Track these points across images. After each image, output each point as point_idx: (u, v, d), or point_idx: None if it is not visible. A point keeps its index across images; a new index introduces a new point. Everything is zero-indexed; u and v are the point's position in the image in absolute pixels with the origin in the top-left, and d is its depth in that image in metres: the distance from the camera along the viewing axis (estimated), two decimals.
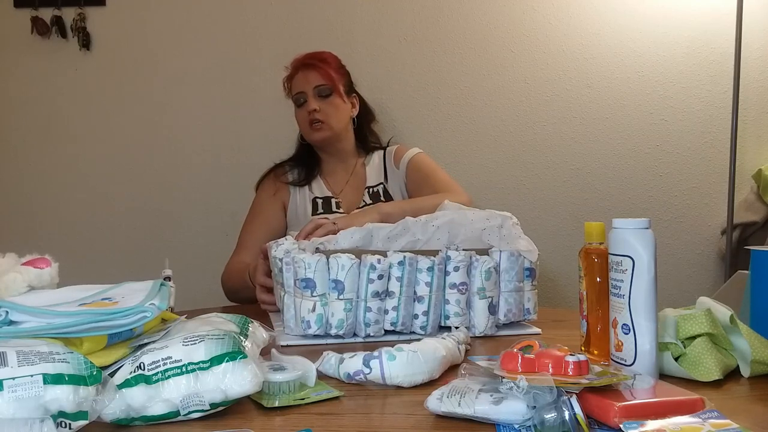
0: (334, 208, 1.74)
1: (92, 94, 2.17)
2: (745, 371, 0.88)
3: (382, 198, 1.77)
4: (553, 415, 0.65)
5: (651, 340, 0.83)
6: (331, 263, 1.09)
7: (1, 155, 2.19)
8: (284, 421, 0.74)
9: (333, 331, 1.10)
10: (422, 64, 2.15)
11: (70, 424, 0.65)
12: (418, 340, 0.92)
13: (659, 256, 0.85)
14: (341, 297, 1.09)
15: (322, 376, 0.87)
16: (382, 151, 1.85)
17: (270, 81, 2.08)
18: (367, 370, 0.85)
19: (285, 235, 1.70)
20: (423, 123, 2.16)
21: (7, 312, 0.74)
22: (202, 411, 0.73)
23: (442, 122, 2.16)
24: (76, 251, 2.14)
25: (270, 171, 1.84)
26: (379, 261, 1.09)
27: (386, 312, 1.12)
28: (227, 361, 0.73)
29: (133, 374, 0.72)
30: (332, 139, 1.76)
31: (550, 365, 0.71)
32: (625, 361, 0.84)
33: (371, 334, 1.11)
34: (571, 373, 0.70)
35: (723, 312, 0.90)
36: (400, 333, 1.14)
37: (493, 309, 1.17)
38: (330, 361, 0.88)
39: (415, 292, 1.13)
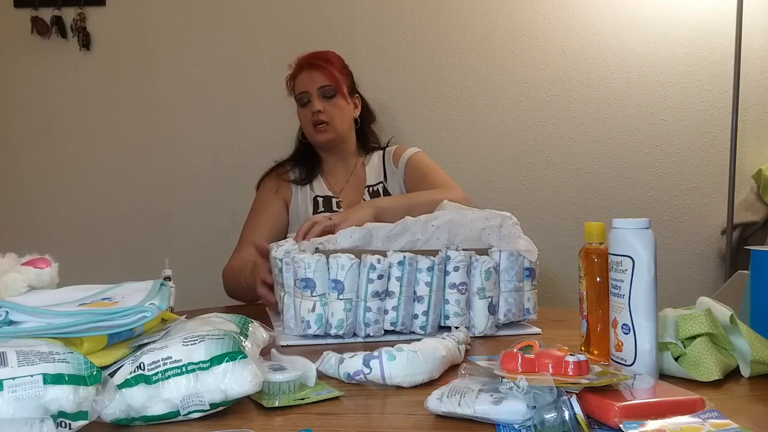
0: (334, 207, 1.74)
1: (92, 94, 2.17)
2: (745, 371, 0.87)
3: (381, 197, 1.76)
4: (553, 415, 0.65)
5: (651, 340, 0.83)
6: (331, 263, 1.09)
7: (1, 155, 2.19)
8: (284, 421, 0.74)
9: (333, 331, 1.10)
10: (422, 64, 2.15)
11: (70, 424, 0.65)
12: (418, 340, 0.92)
13: (659, 256, 0.85)
14: (341, 297, 1.09)
15: (322, 376, 0.87)
16: (381, 152, 1.86)
17: (270, 81, 2.09)
18: (367, 370, 0.85)
19: (287, 233, 1.72)
20: (423, 123, 2.16)
21: (7, 312, 0.74)
22: (202, 411, 0.73)
23: (442, 122, 2.16)
24: (76, 251, 2.14)
25: (271, 170, 1.84)
26: (378, 261, 1.09)
27: (386, 312, 1.12)
28: (227, 361, 0.73)
29: (133, 374, 0.72)
30: (336, 140, 1.76)
31: (550, 365, 0.71)
32: (625, 361, 0.84)
33: (371, 334, 1.11)
34: (571, 373, 0.70)
35: (723, 312, 0.90)
36: (399, 333, 1.14)
37: (492, 309, 1.17)
38: (330, 361, 0.88)
39: (414, 292, 1.13)
